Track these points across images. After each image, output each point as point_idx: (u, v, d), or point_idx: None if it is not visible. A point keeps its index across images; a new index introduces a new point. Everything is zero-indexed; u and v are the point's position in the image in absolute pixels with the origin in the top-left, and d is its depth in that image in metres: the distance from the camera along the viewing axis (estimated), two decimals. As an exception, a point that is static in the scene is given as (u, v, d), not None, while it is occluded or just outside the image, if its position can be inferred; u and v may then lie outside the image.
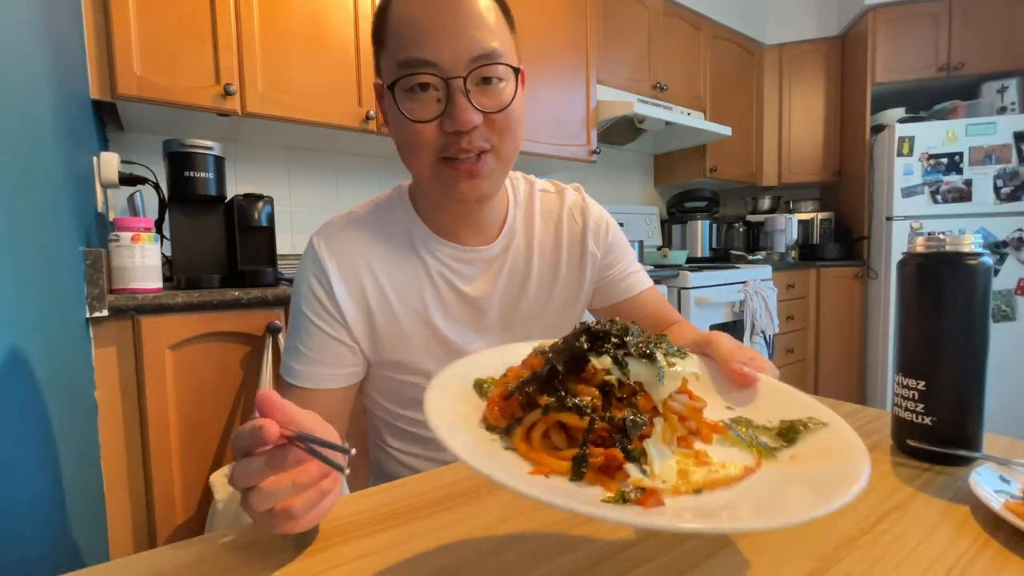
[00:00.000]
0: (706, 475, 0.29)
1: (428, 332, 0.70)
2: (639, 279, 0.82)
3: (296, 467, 0.36)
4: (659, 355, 0.33)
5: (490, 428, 0.33)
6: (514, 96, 0.60)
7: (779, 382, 0.42)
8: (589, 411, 0.30)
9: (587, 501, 0.26)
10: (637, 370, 0.32)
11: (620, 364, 0.32)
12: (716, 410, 0.39)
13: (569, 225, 0.77)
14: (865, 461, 0.28)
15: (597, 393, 0.32)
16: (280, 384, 0.68)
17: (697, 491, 0.28)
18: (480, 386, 0.37)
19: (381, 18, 0.61)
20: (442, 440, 0.27)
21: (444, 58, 0.56)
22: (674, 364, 0.33)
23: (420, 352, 0.69)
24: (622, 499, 0.26)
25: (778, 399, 0.39)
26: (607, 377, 0.32)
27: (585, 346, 0.33)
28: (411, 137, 0.59)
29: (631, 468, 0.28)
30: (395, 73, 0.57)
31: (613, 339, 0.34)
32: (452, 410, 0.33)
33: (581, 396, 0.31)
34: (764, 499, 0.27)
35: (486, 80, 0.58)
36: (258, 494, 0.35)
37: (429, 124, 0.58)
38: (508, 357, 0.40)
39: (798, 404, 0.37)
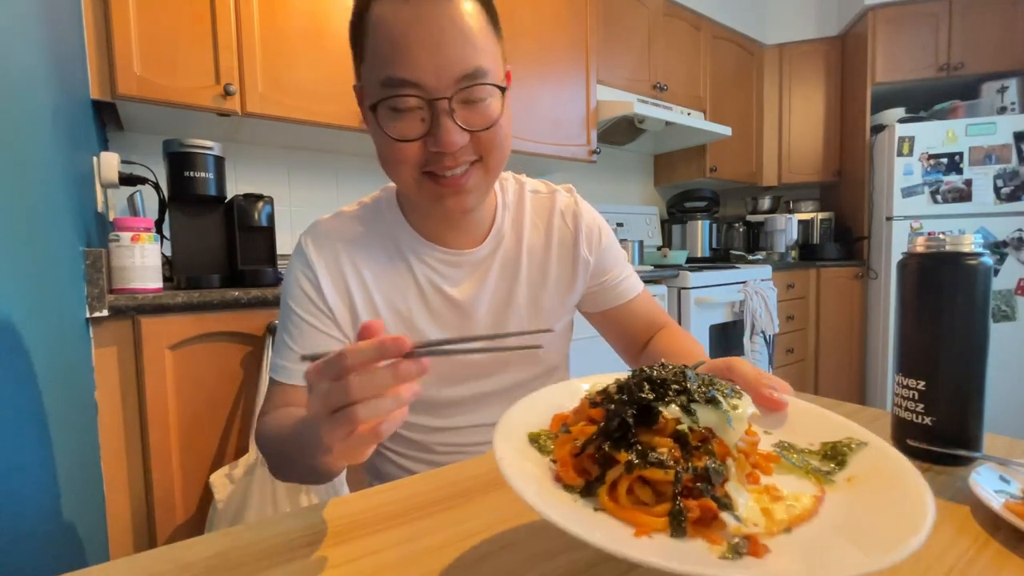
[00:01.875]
0: (786, 511, 0.30)
1: (413, 336, 0.68)
2: (632, 284, 0.81)
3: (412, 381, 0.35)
4: (722, 399, 0.33)
5: (567, 488, 0.32)
6: (501, 111, 0.59)
7: (803, 401, 0.44)
8: (672, 464, 0.30)
9: (705, 560, 0.27)
10: (706, 416, 0.32)
11: (688, 412, 0.32)
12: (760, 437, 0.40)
13: (560, 228, 0.76)
14: (919, 479, 0.30)
15: (673, 444, 0.31)
16: (269, 387, 0.67)
17: (787, 530, 0.29)
18: (536, 440, 0.37)
19: (359, 25, 0.57)
20: (547, 516, 0.26)
21: (428, 79, 0.53)
22: (737, 406, 0.34)
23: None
24: (735, 552, 0.27)
25: (809, 419, 0.40)
26: (679, 427, 0.32)
27: (650, 396, 0.33)
28: (393, 154, 0.57)
29: (724, 516, 0.29)
30: (377, 92, 0.55)
31: (674, 386, 0.34)
32: (532, 477, 0.32)
33: (659, 448, 0.31)
34: (859, 533, 0.28)
35: (472, 100, 0.56)
36: (369, 407, 0.34)
37: (413, 143, 0.56)
38: (546, 402, 0.40)
39: (829, 423, 0.38)
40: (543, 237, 0.75)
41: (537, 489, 0.30)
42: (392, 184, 0.72)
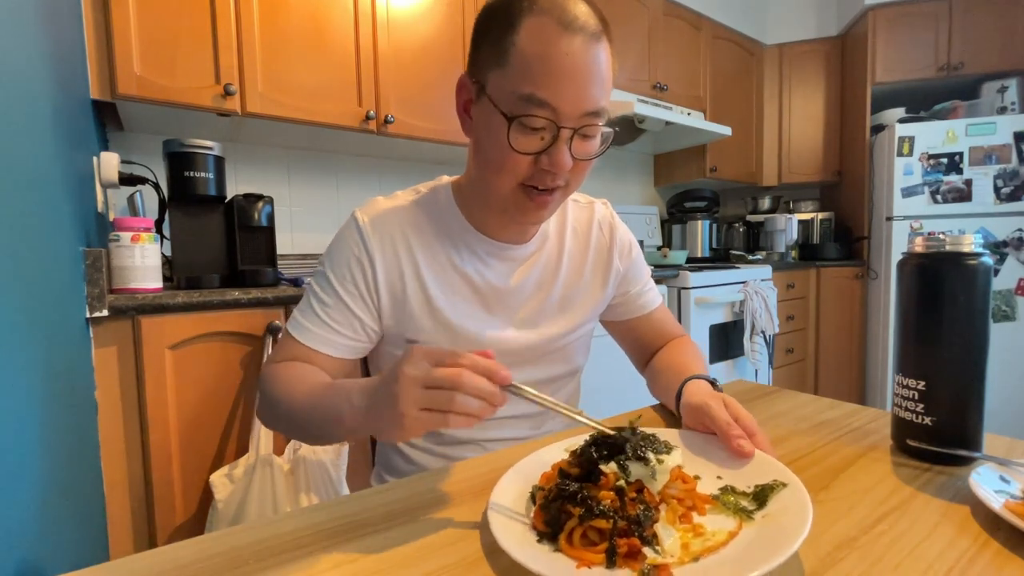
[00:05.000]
0: (702, 544, 0.38)
1: (461, 314, 0.72)
2: (652, 297, 0.86)
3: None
4: (651, 455, 0.42)
5: (539, 533, 0.41)
6: (600, 147, 0.64)
7: (755, 449, 0.50)
8: (611, 514, 0.38)
9: None
10: (636, 471, 0.42)
11: (623, 468, 0.42)
12: (709, 480, 0.48)
13: (597, 237, 0.81)
14: (808, 515, 0.37)
15: (614, 495, 0.40)
16: (283, 338, 0.70)
17: (696, 559, 0.37)
18: (534, 496, 0.46)
19: (506, 26, 0.58)
20: (517, 559, 0.35)
21: (564, 107, 0.57)
22: (663, 461, 0.42)
23: (442, 337, 0.72)
24: (644, 575, 0.35)
25: (754, 464, 0.48)
26: (618, 482, 0.41)
27: (595, 455, 0.43)
28: (506, 162, 0.61)
29: (648, 550, 0.37)
30: (516, 105, 0.58)
31: (616, 447, 0.44)
32: (515, 530, 0.40)
33: (603, 501, 0.40)
34: (742, 558, 0.36)
35: (586, 135, 0.61)
36: (465, 399, 0.42)
37: (527, 156, 0.60)
38: (543, 459, 0.50)
39: (766, 467, 0.47)
40: (582, 243, 0.80)
41: (520, 543, 0.38)
42: (447, 178, 0.77)
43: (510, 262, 0.75)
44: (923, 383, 0.52)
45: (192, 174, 1.32)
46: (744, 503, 0.43)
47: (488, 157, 0.63)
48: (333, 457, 1.29)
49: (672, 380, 0.68)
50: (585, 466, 0.43)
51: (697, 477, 0.48)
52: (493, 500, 0.43)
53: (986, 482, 0.44)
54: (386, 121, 1.73)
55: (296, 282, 1.43)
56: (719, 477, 0.48)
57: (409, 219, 0.72)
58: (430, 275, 0.71)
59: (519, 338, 0.75)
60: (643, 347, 0.87)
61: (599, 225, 0.82)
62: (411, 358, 0.44)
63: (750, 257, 2.97)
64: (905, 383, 0.53)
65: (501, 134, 0.59)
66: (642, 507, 0.39)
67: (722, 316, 2.33)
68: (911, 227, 2.70)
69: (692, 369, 0.69)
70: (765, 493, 0.43)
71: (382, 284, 0.70)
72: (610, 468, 0.42)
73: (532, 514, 0.43)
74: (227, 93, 1.44)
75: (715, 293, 2.27)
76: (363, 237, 0.70)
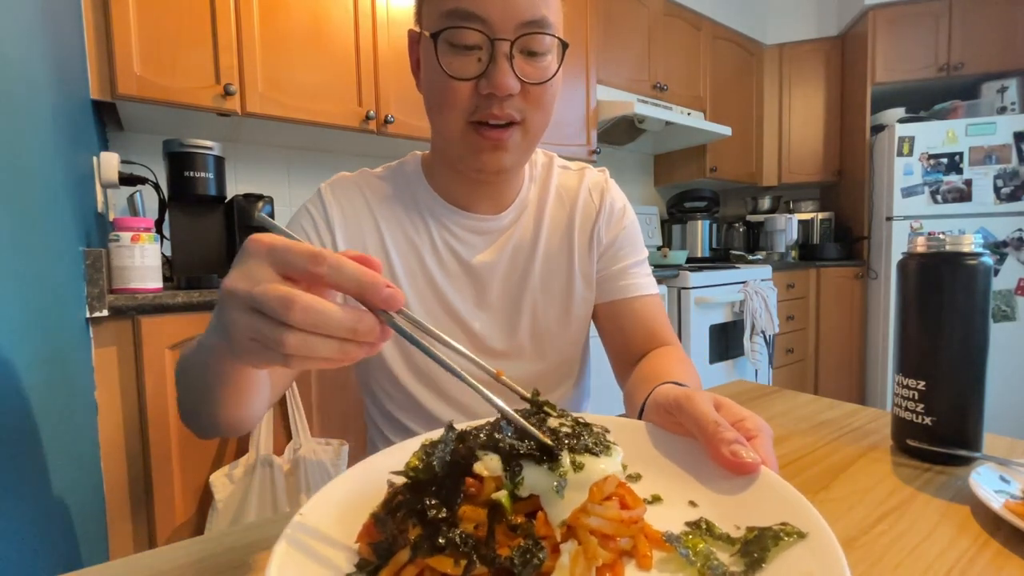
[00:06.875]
0: None
1: (429, 295, 0.67)
2: (641, 283, 0.73)
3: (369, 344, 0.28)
4: (565, 455, 0.25)
5: (361, 565, 0.25)
6: (556, 71, 0.58)
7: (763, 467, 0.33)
8: (467, 547, 0.23)
9: None
10: (533, 478, 0.24)
11: (511, 470, 0.24)
12: (675, 505, 0.30)
13: (585, 202, 0.73)
14: None
15: (483, 517, 0.24)
16: None
17: None
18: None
19: None
20: None
21: (493, 16, 0.52)
22: (582, 466, 0.25)
23: (420, 316, 0.67)
24: None
25: (756, 490, 0.30)
26: (496, 493, 0.24)
27: (476, 440, 0.26)
28: (445, 94, 0.56)
29: None
30: (440, 22, 0.54)
31: (500, 435, 0.26)
32: (299, 556, 0.25)
33: (464, 523, 0.23)
34: None
35: (532, 52, 0.55)
36: (300, 340, 0.26)
37: (466, 83, 0.55)
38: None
39: (778, 498, 0.28)
40: (567, 213, 0.72)
41: (296, 559, 0.24)
42: (419, 152, 0.73)
43: (484, 235, 0.68)
44: (923, 383, 0.52)
45: (192, 174, 1.32)
46: (723, 558, 0.26)
47: (430, 97, 0.58)
48: (333, 457, 1.29)
49: (646, 390, 0.49)
50: (446, 462, 0.26)
51: (656, 499, 0.31)
52: (314, 501, 0.28)
53: (986, 482, 0.44)
54: (386, 121, 1.73)
55: (296, 282, 1.43)
56: (692, 503, 0.31)
57: (374, 191, 0.68)
58: (395, 249, 0.66)
59: (495, 321, 0.69)
60: (623, 343, 0.71)
61: (588, 190, 0.73)
62: (244, 254, 0.29)
63: (750, 257, 2.97)
64: (905, 383, 0.53)
65: (434, 62, 0.54)
66: (525, 544, 0.23)
67: (722, 316, 2.33)
68: (911, 227, 2.70)
69: (676, 378, 0.52)
70: (763, 544, 0.26)
71: (342, 247, 0.63)
72: (488, 466, 0.25)
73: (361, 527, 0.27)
74: (227, 93, 1.44)
75: (715, 293, 2.27)
76: (324, 205, 0.65)
